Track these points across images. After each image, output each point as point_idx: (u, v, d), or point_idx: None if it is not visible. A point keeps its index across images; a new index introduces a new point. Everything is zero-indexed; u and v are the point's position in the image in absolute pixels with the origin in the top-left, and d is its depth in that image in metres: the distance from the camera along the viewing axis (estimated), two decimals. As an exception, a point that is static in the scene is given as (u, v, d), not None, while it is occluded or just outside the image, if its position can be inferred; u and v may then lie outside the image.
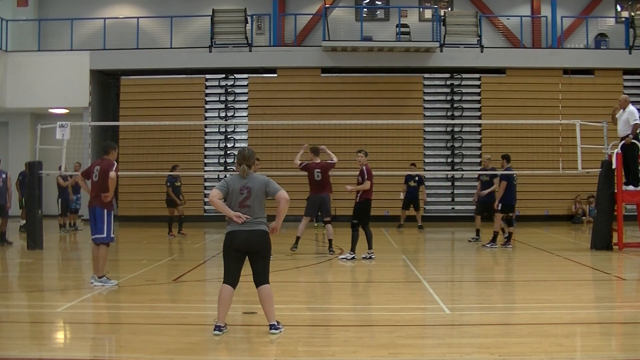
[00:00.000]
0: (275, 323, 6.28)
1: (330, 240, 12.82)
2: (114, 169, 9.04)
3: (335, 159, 12.86)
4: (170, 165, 17.21)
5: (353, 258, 11.72)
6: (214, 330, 6.20)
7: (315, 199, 12.76)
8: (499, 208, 13.57)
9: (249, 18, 21.68)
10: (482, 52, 21.53)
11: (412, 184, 18.64)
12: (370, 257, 11.82)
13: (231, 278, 6.28)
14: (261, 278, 6.30)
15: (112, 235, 9.10)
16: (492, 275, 11.23)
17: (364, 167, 11.81)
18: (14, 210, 18.88)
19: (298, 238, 12.66)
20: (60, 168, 15.37)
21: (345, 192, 12.35)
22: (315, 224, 18.19)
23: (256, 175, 6.41)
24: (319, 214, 13.15)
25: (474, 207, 15.81)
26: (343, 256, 11.95)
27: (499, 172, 13.95)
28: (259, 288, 6.31)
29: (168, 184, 16.54)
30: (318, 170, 12.62)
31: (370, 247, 11.93)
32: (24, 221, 17.51)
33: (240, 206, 6.24)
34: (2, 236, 14.35)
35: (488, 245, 13.61)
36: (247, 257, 6.33)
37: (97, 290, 8.71)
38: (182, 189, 17.11)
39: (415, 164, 19.37)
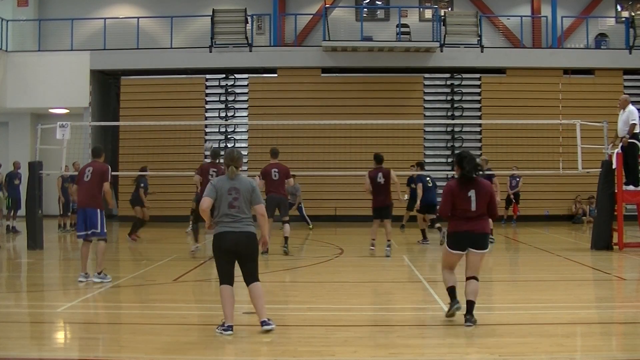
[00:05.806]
0: (266, 319, 6.35)
1: (286, 238, 12.55)
2: (108, 178, 9.37)
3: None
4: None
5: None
6: (226, 330, 6.23)
7: (272, 199, 12.55)
8: (418, 208, 14.73)
9: (249, 18, 21.69)
10: (482, 52, 21.53)
11: (413, 186, 18.68)
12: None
13: (227, 278, 6.37)
14: (252, 277, 6.42)
15: (104, 231, 9.54)
16: (492, 275, 11.20)
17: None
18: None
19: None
20: (61, 168, 15.34)
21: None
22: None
23: (243, 177, 6.54)
24: (277, 213, 12.63)
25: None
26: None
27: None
28: (250, 286, 6.41)
29: (142, 184, 15.61)
30: (275, 170, 12.63)
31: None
32: (8, 222, 17.54)
33: (230, 207, 6.34)
34: None
35: (423, 242, 14.70)
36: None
37: (97, 290, 8.73)
38: (148, 189, 15.96)
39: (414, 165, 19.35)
